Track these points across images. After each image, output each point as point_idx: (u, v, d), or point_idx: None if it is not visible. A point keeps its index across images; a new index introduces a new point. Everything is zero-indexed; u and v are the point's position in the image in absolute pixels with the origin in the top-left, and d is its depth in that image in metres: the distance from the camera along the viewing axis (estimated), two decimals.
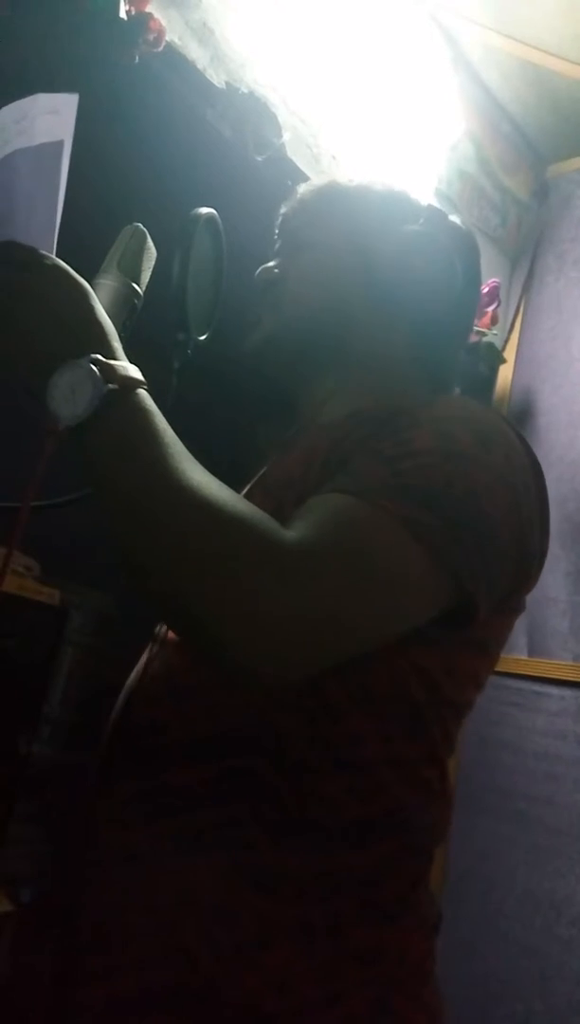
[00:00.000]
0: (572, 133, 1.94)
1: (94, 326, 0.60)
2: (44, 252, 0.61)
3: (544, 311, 1.97)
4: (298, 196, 0.88)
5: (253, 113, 1.30)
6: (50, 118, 0.65)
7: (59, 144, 0.64)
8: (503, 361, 1.91)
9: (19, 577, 1.46)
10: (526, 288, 2.01)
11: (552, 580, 1.69)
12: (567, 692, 1.64)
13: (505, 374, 1.96)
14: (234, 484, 0.60)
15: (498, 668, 0.73)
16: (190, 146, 1.28)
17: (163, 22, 1.13)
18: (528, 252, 2.02)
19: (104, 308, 0.63)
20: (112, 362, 0.57)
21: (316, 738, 0.66)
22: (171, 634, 0.75)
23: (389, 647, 0.64)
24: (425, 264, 0.81)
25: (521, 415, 1.90)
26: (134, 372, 0.59)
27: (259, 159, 1.32)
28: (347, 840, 0.65)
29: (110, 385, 0.56)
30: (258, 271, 0.86)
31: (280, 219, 0.89)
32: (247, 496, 0.68)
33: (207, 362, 0.83)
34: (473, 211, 1.84)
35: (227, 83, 1.27)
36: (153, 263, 0.75)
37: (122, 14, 1.08)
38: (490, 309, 1.79)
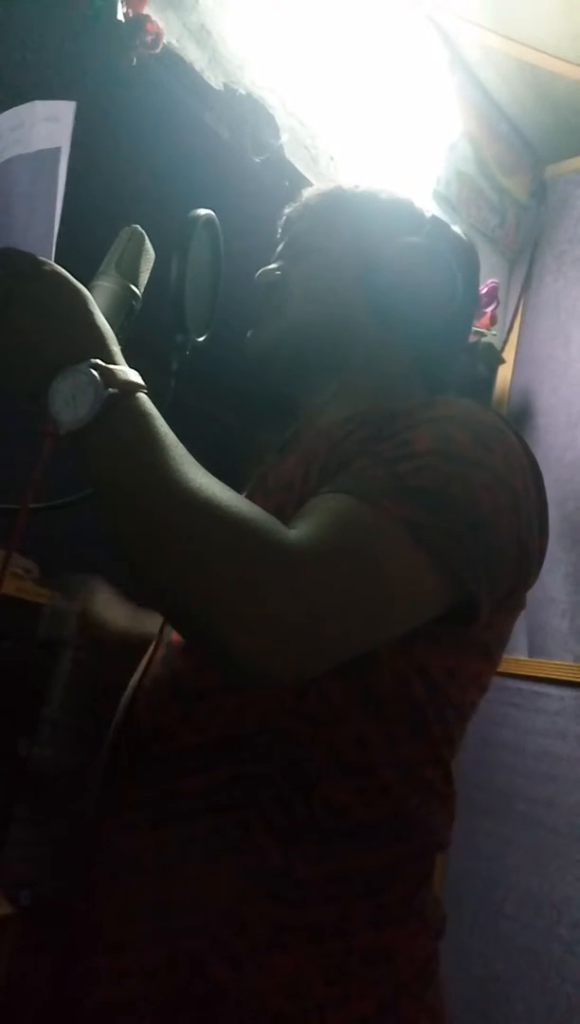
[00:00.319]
0: (570, 133, 1.94)
1: (93, 331, 0.60)
2: (42, 258, 0.61)
3: (543, 311, 1.97)
4: (304, 200, 0.88)
5: (251, 115, 1.30)
6: (48, 125, 0.65)
7: (57, 151, 0.64)
8: (502, 361, 1.91)
9: (18, 579, 1.46)
10: (525, 288, 2.01)
11: (552, 581, 1.69)
12: (567, 692, 1.64)
13: (504, 374, 1.96)
14: (233, 486, 0.60)
15: (499, 668, 0.73)
16: (188, 148, 1.28)
17: (161, 24, 1.13)
18: (526, 252, 2.02)
19: (102, 310, 0.63)
20: (112, 367, 0.58)
21: (321, 741, 0.66)
22: (175, 637, 0.75)
23: (391, 649, 0.64)
24: (426, 275, 0.82)
25: (520, 416, 1.90)
26: (134, 376, 0.59)
27: (257, 160, 1.32)
28: (354, 843, 0.66)
29: (110, 390, 0.56)
30: (259, 273, 0.86)
31: (284, 220, 0.89)
32: (247, 499, 0.68)
33: (205, 364, 0.83)
34: (471, 211, 1.84)
35: (225, 85, 1.27)
36: (151, 265, 0.75)
37: (120, 16, 1.08)
38: (489, 310, 1.79)
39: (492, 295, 1.79)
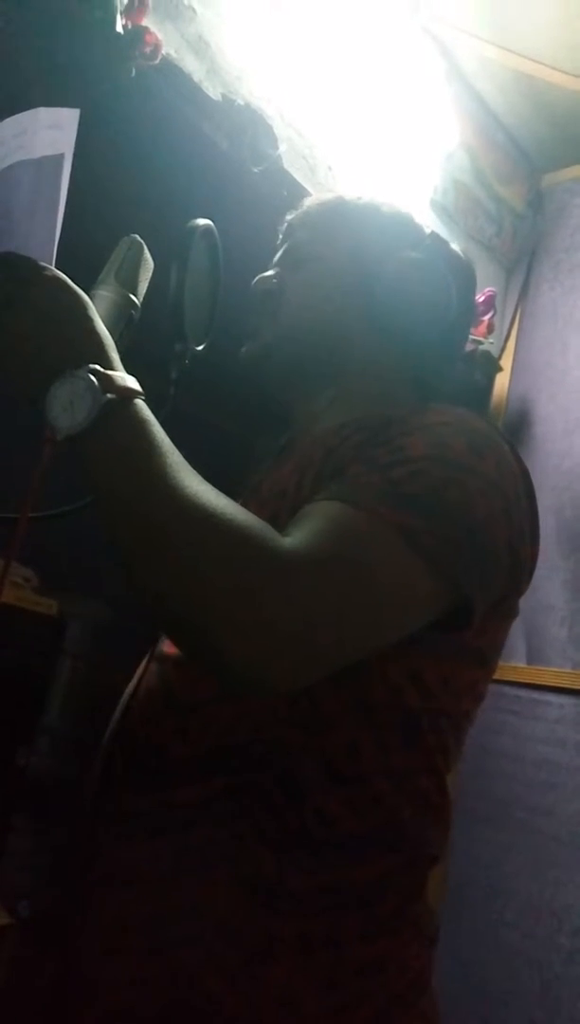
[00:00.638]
0: (566, 143, 1.95)
1: (92, 337, 0.60)
2: (43, 264, 0.62)
3: (540, 320, 1.97)
4: (305, 209, 0.89)
5: (249, 125, 1.31)
6: (51, 132, 0.65)
7: (60, 158, 0.64)
8: (499, 370, 1.92)
9: (17, 588, 1.46)
10: (522, 297, 2.01)
11: (550, 588, 1.69)
12: (566, 700, 1.64)
13: (501, 383, 1.97)
14: (231, 494, 0.60)
15: (497, 676, 0.73)
16: (187, 158, 1.29)
17: (159, 36, 1.14)
18: (523, 261, 2.03)
19: (102, 319, 0.64)
20: (110, 372, 0.58)
21: (313, 750, 0.66)
22: (168, 649, 0.75)
23: (385, 657, 0.64)
24: (423, 289, 0.82)
25: (517, 424, 1.91)
26: (132, 383, 0.59)
27: (255, 171, 1.32)
28: (346, 854, 0.65)
29: (108, 395, 0.57)
30: (256, 280, 0.86)
31: (285, 227, 0.90)
32: (242, 506, 0.69)
33: (204, 372, 0.84)
34: (468, 220, 1.85)
35: (223, 95, 1.28)
36: (150, 274, 0.75)
37: (119, 28, 1.09)
38: (486, 318, 1.79)
39: (489, 303, 1.79)
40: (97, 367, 0.57)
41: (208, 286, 0.82)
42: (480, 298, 1.76)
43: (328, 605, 0.57)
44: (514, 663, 1.71)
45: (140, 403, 0.59)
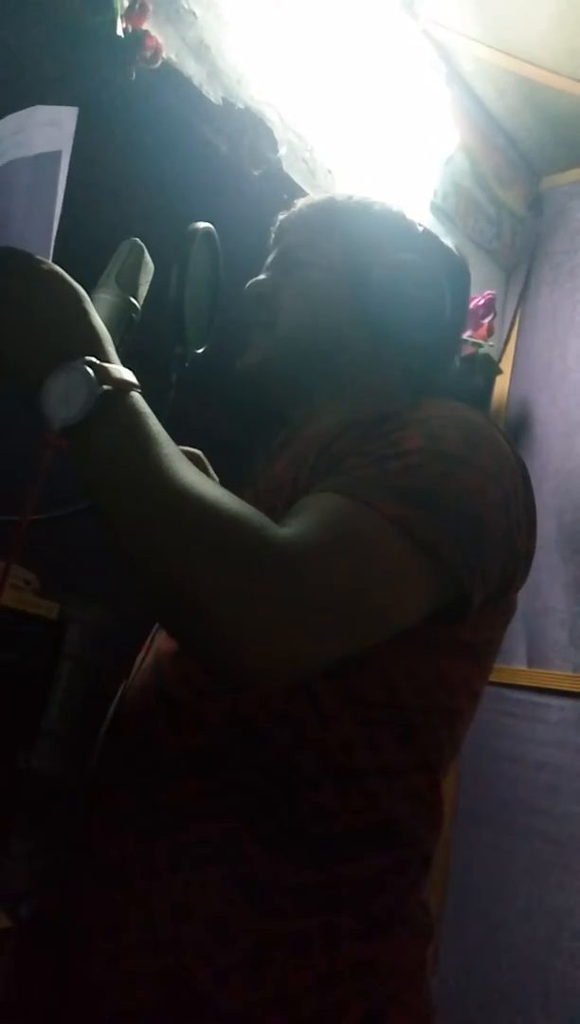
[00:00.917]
0: (566, 146, 1.95)
1: (89, 330, 0.60)
2: (40, 258, 0.62)
3: (539, 322, 1.98)
4: (297, 210, 0.89)
5: (249, 128, 1.31)
6: (49, 130, 0.65)
7: (57, 155, 0.64)
8: (499, 372, 1.92)
9: (18, 591, 1.46)
10: (522, 299, 2.02)
11: (551, 591, 1.69)
12: (567, 703, 1.64)
13: (501, 385, 1.97)
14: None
15: (498, 679, 0.73)
16: (187, 161, 1.29)
17: (160, 39, 1.14)
18: (523, 264, 2.03)
19: (102, 321, 0.64)
20: (106, 365, 0.58)
21: (307, 745, 0.66)
22: (164, 644, 0.75)
23: (380, 652, 0.64)
24: (417, 292, 0.82)
25: (518, 426, 1.91)
26: (128, 375, 0.59)
27: (256, 174, 1.33)
28: (339, 852, 0.65)
29: (105, 387, 0.56)
30: (249, 284, 0.86)
31: (276, 229, 0.90)
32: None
33: (204, 375, 0.84)
34: (468, 223, 1.85)
35: (224, 99, 1.28)
36: (151, 277, 0.75)
37: (119, 31, 1.09)
38: (486, 321, 1.80)
39: (489, 306, 1.80)
40: (93, 359, 0.57)
41: (208, 289, 0.82)
42: (480, 301, 1.77)
43: (324, 595, 0.57)
44: (515, 666, 1.71)
45: (136, 395, 0.59)
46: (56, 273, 0.61)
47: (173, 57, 1.20)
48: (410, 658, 0.67)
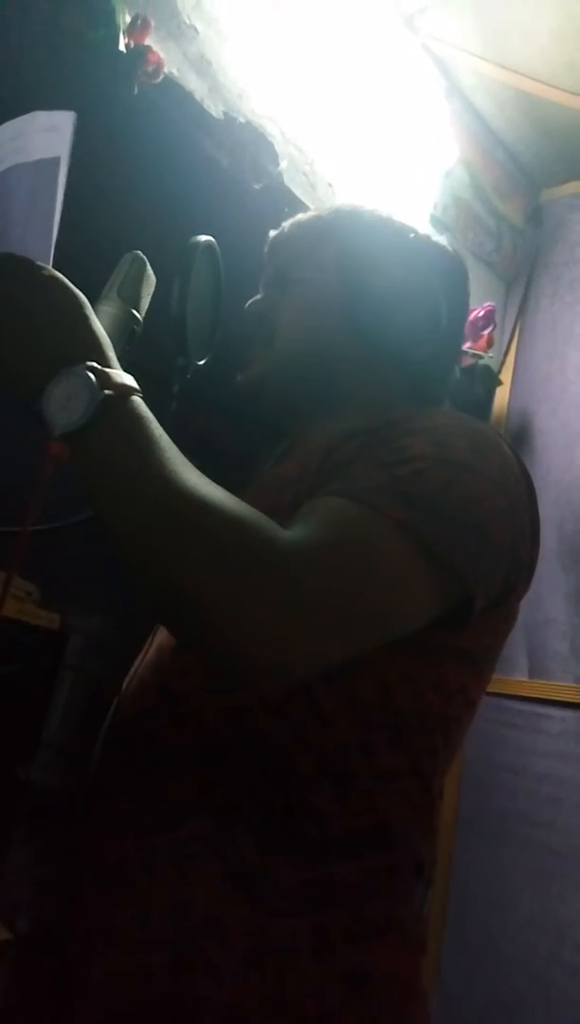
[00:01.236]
0: (565, 159, 1.96)
1: (90, 335, 0.60)
2: (40, 263, 0.62)
3: (539, 334, 1.98)
4: (285, 230, 0.89)
5: (250, 142, 1.32)
6: (48, 135, 0.66)
7: (56, 160, 0.65)
8: (499, 383, 1.92)
9: (19, 602, 1.46)
10: (521, 311, 2.02)
11: (552, 602, 1.69)
12: (568, 714, 1.63)
13: (501, 396, 1.97)
14: None
15: (499, 690, 0.73)
16: (189, 175, 1.30)
17: (162, 54, 1.15)
18: (523, 276, 2.04)
19: (105, 334, 0.64)
20: (108, 370, 0.58)
21: (304, 746, 0.66)
22: (163, 640, 0.75)
23: (378, 656, 0.64)
24: (412, 305, 0.82)
25: (518, 437, 1.91)
26: (129, 380, 0.59)
27: (257, 187, 1.33)
28: (334, 853, 0.65)
29: (106, 392, 0.57)
30: (249, 303, 0.87)
31: (269, 246, 0.90)
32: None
33: (206, 387, 0.84)
34: (468, 236, 1.86)
35: (225, 113, 1.29)
36: (152, 290, 0.76)
37: (121, 47, 1.10)
38: (486, 332, 1.80)
39: (489, 318, 1.80)
40: (95, 364, 0.57)
41: (210, 301, 0.82)
42: (480, 312, 1.77)
43: (326, 598, 0.57)
44: (516, 677, 1.71)
45: (138, 400, 0.59)
46: (57, 279, 0.62)
47: (175, 72, 1.22)
48: (408, 662, 0.67)
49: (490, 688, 0.77)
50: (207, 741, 0.67)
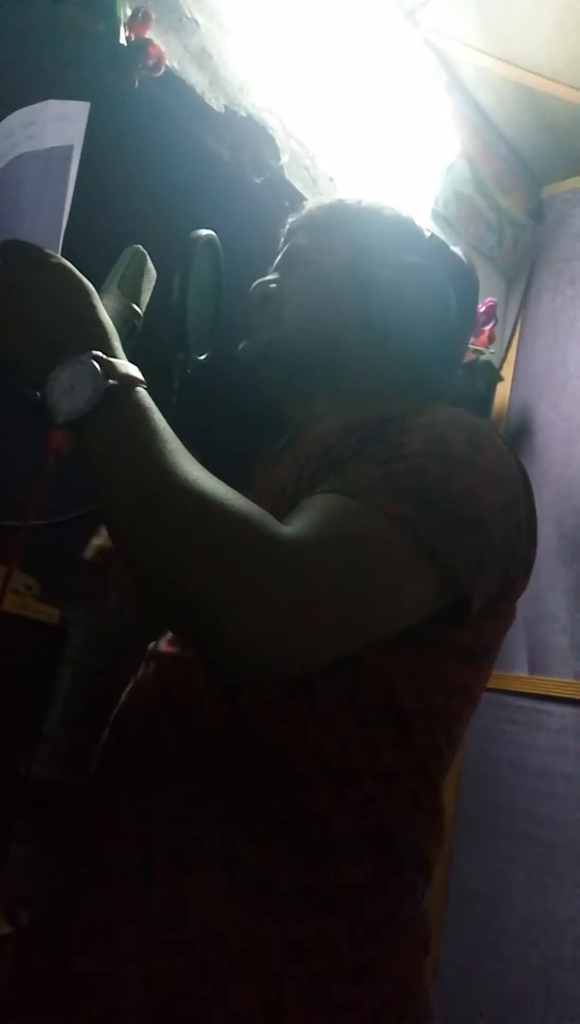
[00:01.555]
0: (566, 154, 1.96)
1: (95, 324, 0.60)
2: (49, 251, 0.62)
3: (540, 329, 1.98)
4: (306, 212, 0.89)
5: (251, 136, 1.32)
6: (61, 123, 0.66)
7: (68, 149, 0.65)
8: (500, 379, 1.92)
9: (19, 596, 1.46)
10: (523, 307, 2.02)
11: (552, 597, 1.69)
12: (568, 710, 1.64)
13: (503, 392, 1.97)
14: None
15: (499, 686, 0.73)
16: (189, 169, 1.30)
17: (162, 48, 1.15)
18: (524, 271, 2.04)
19: None
20: (112, 359, 0.58)
21: (305, 748, 0.66)
22: (166, 647, 0.75)
23: (379, 654, 0.64)
24: (418, 295, 0.82)
25: (519, 432, 1.91)
26: (134, 370, 0.59)
27: (258, 181, 1.33)
28: (337, 855, 0.65)
29: (110, 381, 0.56)
30: (255, 284, 0.87)
31: (286, 230, 0.90)
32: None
33: (207, 381, 0.84)
34: (469, 231, 1.86)
35: (226, 107, 1.29)
36: (153, 284, 0.75)
37: (122, 40, 1.10)
38: (487, 327, 1.80)
39: (490, 313, 1.80)
40: (100, 353, 0.57)
41: (210, 296, 0.82)
42: (481, 308, 1.77)
43: (324, 591, 0.57)
44: (516, 673, 1.71)
45: (141, 391, 0.59)
46: (64, 267, 0.61)
47: (176, 65, 1.21)
48: (409, 661, 0.67)
49: (490, 684, 0.77)
50: (208, 745, 0.67)
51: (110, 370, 0.57)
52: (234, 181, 1.32)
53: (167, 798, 0.67)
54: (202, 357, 0.81)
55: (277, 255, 0.90)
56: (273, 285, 0.86)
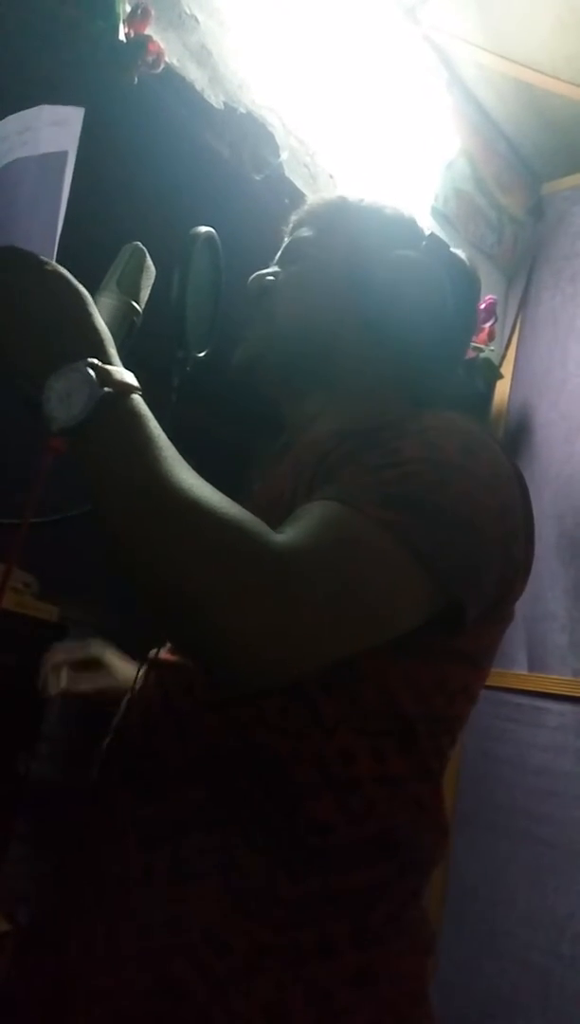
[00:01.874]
0: (566, 151, 1.96)
1: (91, 331, 0.60)
2: (44, 258, 0.62)
3: (540, 327, 1.98)
4: (307, 207, 0.89)
5: (251, 133, 1.31)
6: (55, 129, 0.66)
7: (63, 154, 0.64)
8: (500, 376, 1.92)
9: (18, 594, 1.46)
10: (522, 304, 2.02)
11: (551, 596, 1.69)
12: (567, 707, 1.64)
13: (502, 389, 1.97)
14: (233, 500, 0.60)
15: (498, 683, 0.73)
16: (189, 166, 1.29)
17: (162, 44, 1.15)
18: (524, 269, 2.03)
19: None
20: (108, 367, 0.58)
21: (305, 756, 0.65)
22: (166, 656, 0.75)
23: (378, 661, 0.64)
24: (415, 292, 0.81)
25: (518, 430, 1.91)
26: (129, 377, 0.59)
27: (257, 178, 1.33)
28: (338, 862, 0.65)
29: (105, 389, 0.56)
30: (252, 277, 0.86)
31: (289, 226, 0.90)
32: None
33: (206, 379, 0.84)
34: (469, 228, 1.85)
35: (225, 104, 1.29)
36: (152, 281, 0.75)
37: (122, 37, 1.10)
38: (487, 325, 1.80)
39: (490, 311, 1.80)
40: (95, 361, 0.57)
41: (210, 293, 0.82)
42: (481, 305, 1.77)
43: (317, 597, 0.57)
44: (515, 670, 1.71)
45: (137, 398, 0.59)
46: (60, 273, 0.61)
47: (175, 62, 1.21)
48: (409, 667, 0.67)
49: (489, 682, 0.77)
50: (209, 755, 0.67)
51: (105, 377, 0.57)
52: (233, 178, 1.31)
53: (167, 807, 0.67)
54: (201, 354, 0.81)
55: (278, 250, 0.90)
56: (271, 278, 0.86)
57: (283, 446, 0.86)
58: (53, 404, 0.56)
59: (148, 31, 1.13)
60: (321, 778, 0.65)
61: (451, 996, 1.57)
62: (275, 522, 0.63)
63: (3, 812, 1.43)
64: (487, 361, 1.82)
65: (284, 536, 0.58)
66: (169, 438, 0.60)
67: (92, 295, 0.68)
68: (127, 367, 0.62)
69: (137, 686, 0.77)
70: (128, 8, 1.10)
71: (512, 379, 1.98)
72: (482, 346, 1.79)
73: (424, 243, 0.85)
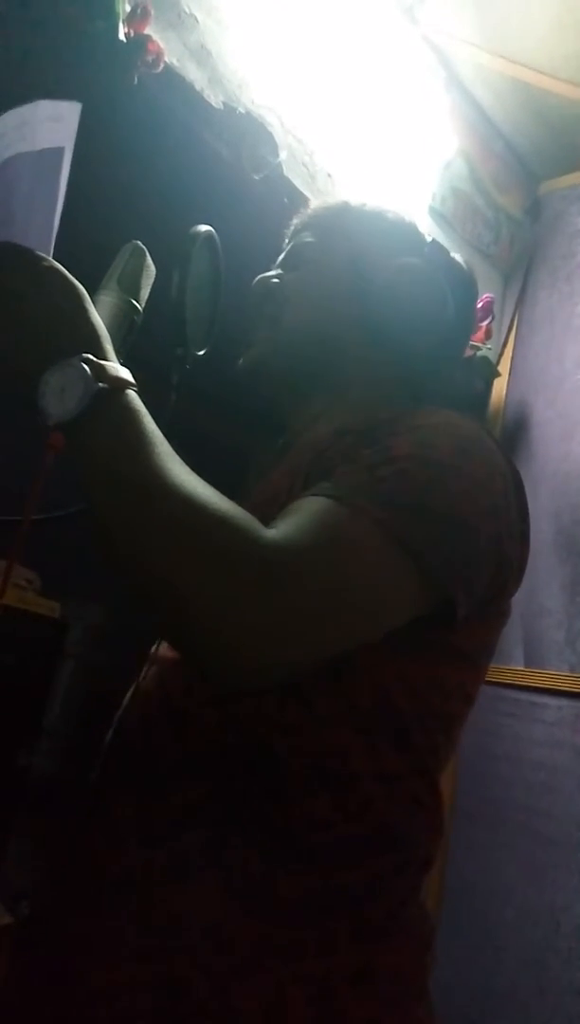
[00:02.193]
0: (564, 151, 1.96)
1: (87, 327, 0.61)
2: (40, 254, 0.62)
3: (537, 326, 1.99)
4: (310, 212, 0.90)
5: (250, 133, 1.32)
6: (52, 125, 0.65)
7: (60, 150, 0.65)
8: (497, 375, 1.93)
9: (20, 590, 1.47)
10: (519, 303, 2.03)
11: (548, 591, 1.70)
12: (564, 702, 1.65)
13: (499, 387, 1.98)
14: (232, 500, 0.60)
15: (495, 679, 0.74)
16: (188, 165, 1.30)
17: (162, 44, 1.15)
18: (521, 268, 2.04)
19: (104, 324, 0.64)
20: (103, 362, 0.58)
21: (302, 754, 0.66)
22: (166, 652, 0.75)
23: (372, 657, 0.64)
24: (418, 295, 0.82)
25: (515, 428, 1.92)
26: (124, 373, 0.60)
27: (256, 178, 1.34)
28: (336, 859, 0.65)
29: (100, 384, 0.57)
30: (256, 279, 0.87)
31: (291, 230, 0.91)
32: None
33: (205, 378, 0.84)
34: (467, 228, 1.86)
35: (224, 103, 1.29)
36: (152, 280, 0.76)
37: (121, 36, 1.10)
38: (484, 324, 1.81)
39: (487, 310, 1.81)
40: (90, 356, 0.57)
41: (209, 292, 0.83)
42: (478, 304, 1.78)
43: (308, 596, 0.57)
44: (512, 666, 1.72)
45: (132, 394, 0.59)
46: (56, 269, 0.62)
47: (175, 62, 1.21)
48: (404, 664, 0.67)
49: (486, 677, 0.78)
50: (208, 753, 0.67)
51: (100, 373, 0.57)
52: (233, 178, 1.32)
53: (167, 805, 0.67)
54: (201, 353, 0.81)
55: (280, 253, 0.90)
56: (273, 281, 0.86)
57: (283, 446, 0.87)
58: (48, 399, 0.57)
59: (148, 31, 1.13)
60: (318, 776, 0.65)
61: (447, 990, 1.58)
62: (271, 520, 0.63)
63: (4, 807, 1.44)
64: (485, 359, 1.83)
65: (274, 532, 0.58)
66: (167, 437, 0.60)
67: (92, 294, 0.68)
68: (127, 365, 0.63)
69: (138, 681, 0.77)
70: (128, 8, 1.11)
71: (509, 377, 1.99)
72: (480, 344, 1.80)
73: (426, 249, 0.86)
